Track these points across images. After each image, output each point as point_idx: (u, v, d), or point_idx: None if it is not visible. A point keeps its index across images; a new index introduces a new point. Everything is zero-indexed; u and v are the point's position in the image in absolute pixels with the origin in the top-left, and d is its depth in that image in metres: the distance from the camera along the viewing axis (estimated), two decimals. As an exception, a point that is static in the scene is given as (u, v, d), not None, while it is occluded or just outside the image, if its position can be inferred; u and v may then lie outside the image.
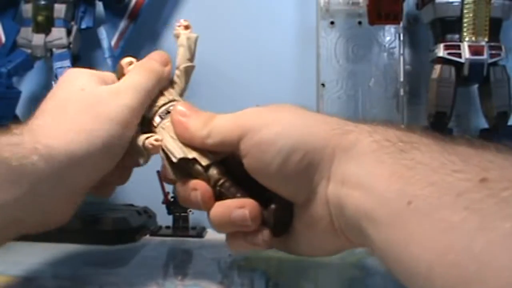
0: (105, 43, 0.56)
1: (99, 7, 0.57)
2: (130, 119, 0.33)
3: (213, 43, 0.61)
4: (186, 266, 0.44)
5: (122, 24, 0.57)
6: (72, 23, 0.54)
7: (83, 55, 0.56)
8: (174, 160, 0.33)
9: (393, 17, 0.50)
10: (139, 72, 0.35)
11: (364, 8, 0.53)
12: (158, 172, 0.51)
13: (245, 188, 0.32)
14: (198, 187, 0.32)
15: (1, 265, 0.38)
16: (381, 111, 0.56)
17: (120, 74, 0.37)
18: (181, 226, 0.52)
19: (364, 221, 0.25)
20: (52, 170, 0.30)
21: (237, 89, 0.60)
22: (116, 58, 0.54)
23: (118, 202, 0.57)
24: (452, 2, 0.49)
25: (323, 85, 0.56)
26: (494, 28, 0.48)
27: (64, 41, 0.53)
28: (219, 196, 0.32)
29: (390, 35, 0.56)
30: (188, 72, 0.38)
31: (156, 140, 0.33)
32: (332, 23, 0.56)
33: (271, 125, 0.30)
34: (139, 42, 0.59)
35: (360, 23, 0.56)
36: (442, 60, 0.49)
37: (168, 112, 0.35)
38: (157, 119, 0.35)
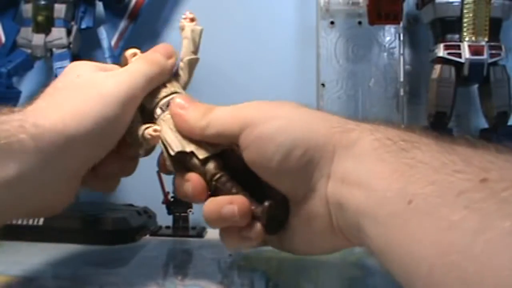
0: (105, 43, 0.56)
1: (99, 7, 0.57)
2: (126, 101, 0.33)
3: (213, 43, 0.61)
4: (186, 266, 0.44)
5: (122, 24, 0.57)
6: (72, 23, 0.54)
7: (83, 55, 0.56)
8: (172, 153, 0.33)
9: (393, 17, 0.50)
10: (141, 62, 0.35)
11: (364, 8, 0.53)
12: (158, 172, 0.51)
13: (242, 182, 0.32)
14: (190, 179, 0.32)
15: (1, 265, 0.38)
16: (381, 111, 0.56)
17: (124, 66, 0.36)
18: (181, 226, 0.52)
19: (364, 220, 0.25)
20: (41, 149, 0.30)
21: (237, 89, 0.60)
22: (116, 58, 0.54)
23: (118, 202, 0.57)
24: (452, 2, 0.49)
25: (323, 85, 0.56)
26: (494, 28, 0.48)
27: (64, 41, 0.53)
28: (214, 191, 0.33)
29: (390, 35, 0.56)
30: (191, 64, 0.37)
31: (155, 130, 0.33)
32: (332, 23, 0.57)
33: (273, 119, 0.30)
34: (139, 42, 0.59)
35: (360, 23, 0.56)
36: (442, 60, 0.49)
37: (169, 105, 0.35)
38: (158, 111, 0.35)
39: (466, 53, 0.48)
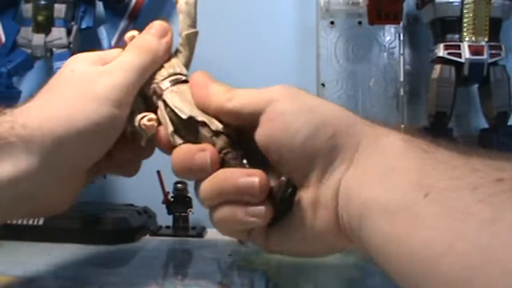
0: (105, 43, 0.56)
1: (99, 7, 0.57)
2: (121, 99, 0.32)
3: (213, 42, 0.61)
4: (186, 266, 0.44)
5: (122, 24, 0.57)
6: (72, 23, 0.54)
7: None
8: (184, 116, 0.32)
9: (393, 17, 0.50)
10: (131, 51, 0.35)
11: (364, 8, 0.53)
12: (158, 172, 0.51)
13: (249, 160, 0.31)
14: (207, 148, 0.31)
15: (1, 265, 0.38)
16: (381, 111, 0.56)
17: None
18: (181, 226, 0.52)
19: (369, 212, 0.25)
20: (31, 151, 0.29)
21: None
22: (116, 58, 0.54)
23: (118, 202, 0.57)
24: (452, 2, 0.49)
25: (323, 85, 0.56)
26: (494, 28, 0.48)
27: (64, 41, 0.53)
28: (222, 166, 0.31)
29: (390, 35, 0.56)
30: (191, 39, 0.36)
31: (150, 119, 0.33)
32: (332, 23, 0.57)
33: (298, 98, 0.30)
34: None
35: (360, 23, 0.56)
36: (442, 60, 0.49)
37: (179, 82, 0.34)
38: (166, 84, 0.34)
39: (466, 53, 0.48)
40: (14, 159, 0.29)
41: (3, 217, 0.32)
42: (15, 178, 0.29)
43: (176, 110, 0.33)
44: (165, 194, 0.52)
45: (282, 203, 0.30)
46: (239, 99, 0.31)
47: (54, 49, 0.53)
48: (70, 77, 0.33)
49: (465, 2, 0.48)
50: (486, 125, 0.52)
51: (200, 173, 0.31)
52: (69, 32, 0.54)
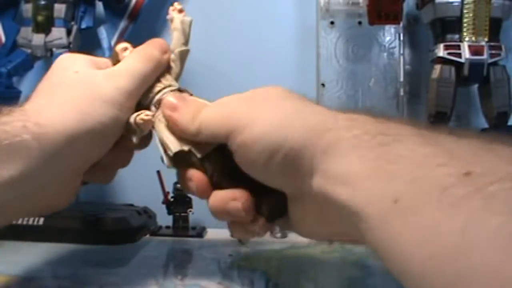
0: (105, 43, 0.56)
1: (99, 7, 0.57)
2: (124, 102, 0.33)
3: (213, 43, 0.61)
4: (186, 266, 0.44)
5: (122, 24, 0.57)
6: (72, 23, 0.54)
7: (83, 55, 0.56)
8: (171, 154, 0.33)
9: (393, 17, 0.50)
10: (136, 58, 0.35)
11: (364, 8, 0.53)
12: (158, 172, 0.51)
13: (240, 175, 0.32)
14: (193, 178, 0.33)
15: (1, 265, 0.38)
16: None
17: (115, 60, 0.36)
18: (181, 226, 0.52)
19: (354, 218, 0.25)
20: (44, 149, 0.30)
21: (237, 89, 0.59)
22: (116, 58, 0.54)
23: (118, 202, 0.57)
24: (452, 2, 0.49)
25: (323, 85, 0.56)
26: (494, 28, 0.48)
27: (64, 41, 0.53)
28: (216, 185, 0.33)
29: (390, 35, 0.56)
30: (183, 56, 0.37)
31: (147, 115, 0.33)
32: (332, 23, 0.57)
33: (253, 125, 0.30)
34: (139, 42, 0.59)
35: (360, 23, 0.56)
36: (442, 60, 0.49)
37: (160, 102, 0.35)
38: (153, 109, 0.35)
39: (466, 53, 0.48)
40: (27, 156, 0.29)
41: (8, 217, 0.32)
42: (27, 175, 0.29)
43: (164, 146, 0.34)
44: (165, 194, 0.52)
45: (272, 214, 0.32)
46: (204, 131, 0.32)
47: (54, 49, 0.53)
48: (76, 78, 0.33)
49: (465, 2, 0.48)
50: (486, 125, 0.52)
51: (198, 195, 0.34)
52: (69, 32, 0.54)
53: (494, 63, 0.49)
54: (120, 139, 0.35)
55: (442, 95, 0.49)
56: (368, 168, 0.25)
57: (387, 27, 0.56)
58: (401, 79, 0.55)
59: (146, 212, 0.53)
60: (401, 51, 0.56)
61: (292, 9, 0.61)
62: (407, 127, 0.26)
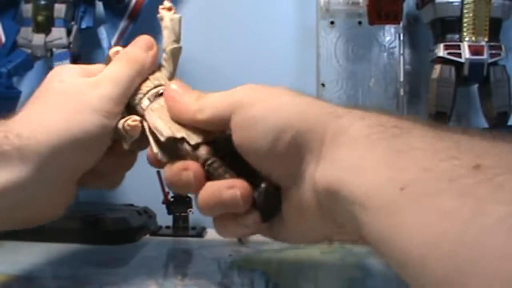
0: (105, 43, 0.56)
1: (99, 7, 0.57)
2: (110, 110, 0.33)
3: (213, 43, 0.61)
4: (186, 266, 0.44)
5: (122, 24, 0.57)
6: (72, 23, 0.54)
7: (83, 55, 0.56)
8: (162, 138, 0.32)
9: (393, 17, 0.50)
10: (119, 63, 0.35)
11: (364, 8, 0.53)
12: (158, 172, 0.51)
13: (234, 167, 0.31)
14: (189, 167, 0.31)
15: (1, 265, 0.38)
16: (381, 111, 0.56)
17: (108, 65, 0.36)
18: (181, 226, 0.52)
19: (356, 208, 0.24)
20: (26, 160, 0.30)
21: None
22: (116, 58, 0.54)
23: (118, 202, 0.57)
24: (452, 2, 0.49)
25: (323, 85, 0.56)
26: (494, 28, 0.48)
27: (64, 41, 0.53)
28: (207, 177, 0.32)
29: (390, 35, 0.56)
30: (174, 54, 0.37)
31: (134, 120, 0.33)
32: (332, 23, 0.57)
33: (264, 101, 0.30)
34: (139, 42, 0.59)
35: (360, 23, 0.56)
36: (442, 60, 0.49)
37: (158, 95, 0.35)
38: (145, 102, 0.35)
39: (466, 53, 0.48)
40: (8, 168, 0.29)
41: None
42: (9, 187, 0.29)
43: (156, 132, 0.33)
44: (165, 194, 0.52)
45: (267, 208, 0.31)
46: (207, 109, 0.31)
47: (54, 49, 0.53)
48: (60, 88, 0.34)
49: (465, 2, 0.48)
50: (486, 125, 0.52)
51: (189, 190, 0.32)
52: (69, 32, 0.54)
53: (494, 63, 0.49)
54: (117, 143, 0.35)
55: (442, 95, 0.49)
56: (378, 157, 0.24)
57: (387, 27, 0.56)
58: (401, 79, 0.55)
59: (146, 212, 0.53)
60: (401, 51, 0.56)
61: (292, 9, 0.61)
62: (420, 123, 0.26)
